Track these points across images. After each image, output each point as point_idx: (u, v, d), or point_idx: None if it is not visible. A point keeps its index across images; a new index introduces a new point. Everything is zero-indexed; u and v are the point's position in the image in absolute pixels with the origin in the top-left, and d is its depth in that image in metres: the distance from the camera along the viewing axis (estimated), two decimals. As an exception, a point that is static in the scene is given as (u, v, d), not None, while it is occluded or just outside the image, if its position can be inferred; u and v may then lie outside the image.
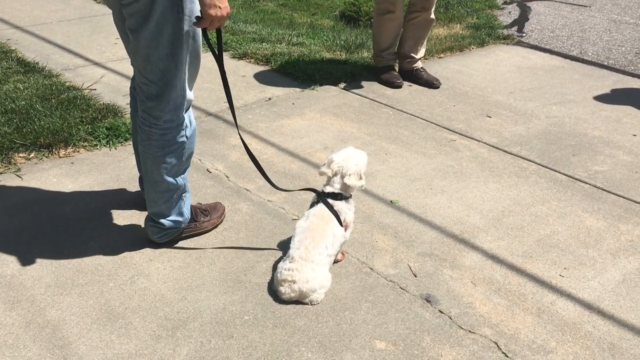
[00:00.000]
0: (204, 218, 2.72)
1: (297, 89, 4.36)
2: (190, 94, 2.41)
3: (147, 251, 2.59)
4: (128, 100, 3.97)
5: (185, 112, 2.42)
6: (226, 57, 4.95)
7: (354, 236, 2.70)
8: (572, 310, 2.37)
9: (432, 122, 3.92)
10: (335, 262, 2.53)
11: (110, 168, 3.22)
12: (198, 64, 2.40)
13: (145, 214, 2.65)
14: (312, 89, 4.38)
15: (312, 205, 2.48)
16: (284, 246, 2.56)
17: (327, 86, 4.44)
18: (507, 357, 2.13)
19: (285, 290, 2.30)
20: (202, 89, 4.30)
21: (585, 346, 2.19)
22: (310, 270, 2.29)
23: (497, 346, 2.17)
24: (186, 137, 2.43)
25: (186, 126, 2.42)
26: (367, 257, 2.62)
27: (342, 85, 4.45)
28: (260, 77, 4.57)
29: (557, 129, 3.88)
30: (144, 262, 2.52)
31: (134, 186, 3.02)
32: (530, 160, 3.48)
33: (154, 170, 2.44)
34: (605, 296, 2.44)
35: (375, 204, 3.03)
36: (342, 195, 2.47)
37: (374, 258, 2.62)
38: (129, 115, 3.77)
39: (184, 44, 2.24)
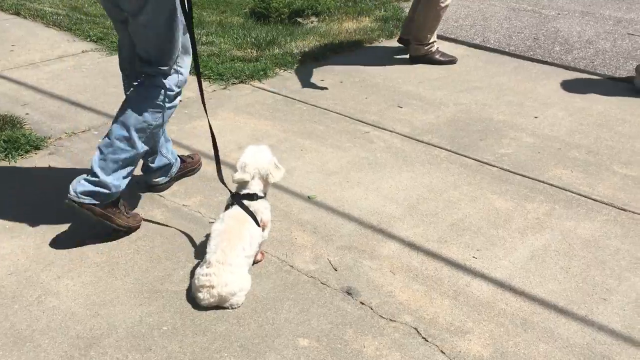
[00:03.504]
0: (125, 213, 2.66)
1: (208, 90, 4.27)
2: (186, 73, 2.69)
3: (55, 268, 2.45)
4: (27, 110, 3.79)
5: (178, 94, 2.69)
6: (133, 59, 4.78)
7: (273, 234, 2.68)
8: (486, 290, 2.45)
9: (345, 116, 3.95)
10: (255, 262, 2.50)
11: (9, 184, 3.03)
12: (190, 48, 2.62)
13: (53, 230, 2.52)
14: (224, 89, 4.31)
15: (226, 208, 2.44)
16: (202, 251, 2.50)
17: (239, 85, 4.38)
18: (427, 341, 2.18)
19: (203, 296, 2.24)
20: (108, 93, 4.14)
21: (500, 323, 2.28)
22: (228, 273, 2.25)
23: (417, 332, 2.22)
24: (167, 106, 2.63)
25: (172, 99, 2.65)
26: (286, 255, 2.61)
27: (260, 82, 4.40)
28: (169, 79, 4.44)
29: (464, 116, 4.01)
30: (52, 280, 2.39)
31: (39, 201, 2.86)
32: (441, 148, 3.58)
33: (127, 115, 2.56)
34: (515, 274, 2.55)
35: (292, 200, 3.02)
36: (257, 196, 2.44)
37: (293, 255, 2.61)
38: (28, 126, 3.58)
39: (178, 15, 2.48)
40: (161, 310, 2.26)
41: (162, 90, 2.60)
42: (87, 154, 3.34)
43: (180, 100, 2.76)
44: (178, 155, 3.11)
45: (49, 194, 2.95)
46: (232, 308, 2.27)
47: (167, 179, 3.02)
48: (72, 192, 2.47)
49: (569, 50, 5.23)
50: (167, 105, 2.64)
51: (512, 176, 3.30)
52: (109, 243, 2.62)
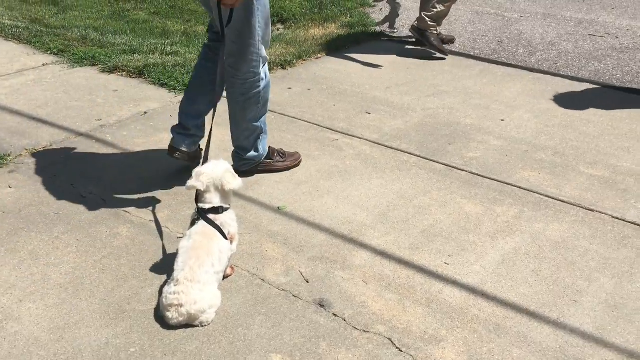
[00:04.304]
0: (280, 159, 3.31)
1: (174, 101, 4.20)
2: (264, 53, 2.95)
3: (16, 292, 2.37)
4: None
5: (262, 67, 2.98)
6: (95, 71, 4.69)
7: (242, 248, 2.63)
8: (459, 296, 2.45)
9: (314, 124, 3.92)
10: (225, 277, 2.45)
11: (-31, 203, 2.93)
12: (269, 29, 2.93)
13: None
14: (190, 99, 4.24)
15: (192, 224, 2.38)
16: (170, 268, 2.43)
17: (205, 95, 4.31)
18: (402, 351, 2.16)
19: (172, 315, 2.18)
20: (70, 107, 4.04)
21: (474, 330, 2.27)
22: (197, 291, 2.19)
23: (392, 342, 2.20)
24: (261, 88, 3.01)
25: (261, 79, 2.99)
26: (257, 268, 2.56)
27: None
28: (134, 91, 4.36)
29: (432, 120, 4.02)
30: (13, 304, 2.30)
31: (-3, 221, 2.77)
32: (410, 153, 3.58)
33: (237, 112, 3.09)
34: (487, 279, 2.55)
35: (262, 212, 2.97)
36: (222, 208, 2.40)
37: (264, 268, 2.57)
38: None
39: (255, 10, 2.78)
40: (128, 331, 2.20)
41: (252, 79, 2.96)
42: (50, 171, 3.25)
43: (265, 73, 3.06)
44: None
45: (10, 215, 2.86)
46: (202, 326, 2.22)
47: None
48: (236, 167, 3.14)
49: (533, 52, 5.30)
50: (262, 86, 3.02)
51: (481, 180, 3.31)
52: (72, 263, 2.55)
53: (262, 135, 3.21)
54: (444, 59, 5.17)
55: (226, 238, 2.35)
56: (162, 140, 3.64)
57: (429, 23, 5.05)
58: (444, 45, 5.30)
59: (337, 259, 2.65)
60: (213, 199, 2.37)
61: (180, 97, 4.24)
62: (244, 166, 3.23)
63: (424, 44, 5.19)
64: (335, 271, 2.57)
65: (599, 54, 5.24)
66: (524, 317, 2.34)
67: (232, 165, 2.99)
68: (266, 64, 3.04)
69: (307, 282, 2.50)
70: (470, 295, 2.45)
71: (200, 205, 2.39)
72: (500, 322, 2.31)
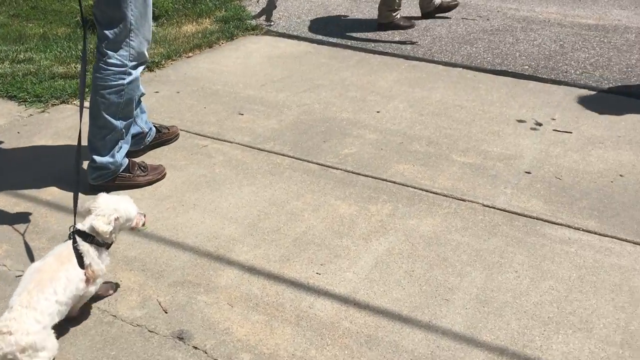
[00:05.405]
0: (141, 173, 3.05)
1: (24, 115, 3.80)
2: (140, 48, 2.86)
3: None
4: None
5: (135, 67, 2.90)
6: None
7: (94, 280, 2.36)
8: (330, 309, 2.31)
9: (182, 130, 3.65)
10: (70, 318, 2.17)
11: None
12: (147, 22, 2.86)
13: None
14: (43, 112, 3.85)
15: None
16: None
17: (60, 105, 3.94)
18: (267, 381, 1.99)
19: None
20: None
21: (344, 345, 2.14)
22: (32, 320, 1.89)
23: (256, 371, 2.03)
24: (125, 82, 2.87)
25: (128, 74, 2.88)
26: (108, 303, 2.30)
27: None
28: (-23, 106, 3.90)
29: (308, 117, 3.88)
30: None
31: None
32: (283, 155, 3.41)
33: (96, 102, 2.89)
34: (360, 286, 2.43)
35: (119, 235, 2.69)
36: (94, 239, 2.14)
37: (117, 302, 2.31)
38: None
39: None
40: (-53, 399, 1.88)
41: (117, 69, 2.83)
42: None
43: (144, 68, 3.08)
44: (154, 125, 3.39)
45: None
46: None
47: (140, 147, 3.30)
48: (89, 180, 2.96)
49: (408, 39, 5.29)
50: (127, 80, 2.87)
51: (355, 177, 3.20)
52: None
53: (122, 142, 2.99)
54: (320, 52, 5.04)
55: (82, 267, 2.09)
56: (9, 160, 3.25)
57: (393, 14, 5.45)
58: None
59: (201, 281, 2.44)
60: (86, 224, 2.17)
61: (31, 110, 3.86)
62: (99, 179, 2.96)
63: None
64: (198, 296, 2.36)
65: (471, 37, 5.31)
66: (396, 324, 2.24)
67: (88, 178, 2.96)
68: (142, 67, 2.97)
69: (166, 312, 2.27)
70: (342, 306, 2.32)
71: (78, 224, 2.17)
72: (372, 332, 2.20)
